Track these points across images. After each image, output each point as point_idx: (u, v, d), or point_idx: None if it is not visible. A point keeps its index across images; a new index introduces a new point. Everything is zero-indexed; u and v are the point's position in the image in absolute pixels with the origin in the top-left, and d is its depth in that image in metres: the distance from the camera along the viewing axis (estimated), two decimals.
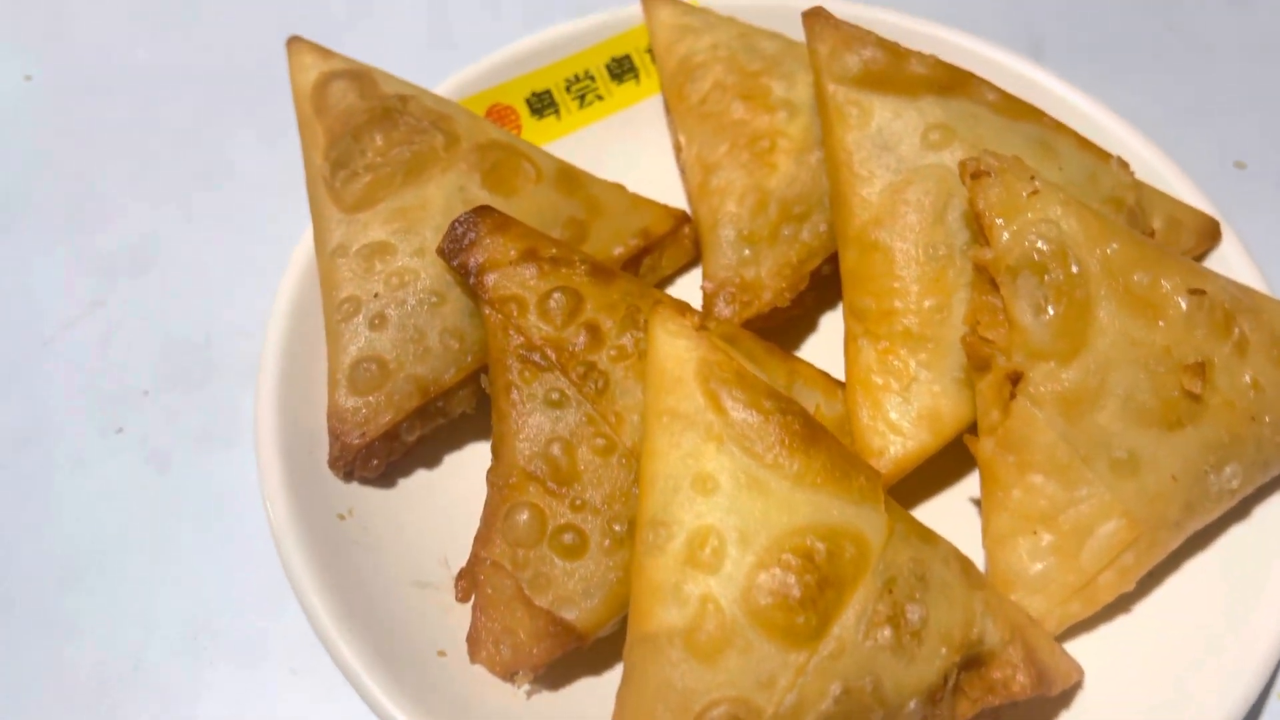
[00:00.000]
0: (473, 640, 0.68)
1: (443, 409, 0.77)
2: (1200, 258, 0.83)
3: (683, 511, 0.62)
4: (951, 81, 0.78)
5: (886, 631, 0.60)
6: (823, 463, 0.63)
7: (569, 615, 0.67)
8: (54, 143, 1.01)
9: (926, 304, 0.75)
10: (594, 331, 0.71)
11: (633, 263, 0.86)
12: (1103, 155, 0.80)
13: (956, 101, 0.78)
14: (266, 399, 0.74)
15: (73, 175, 0.99)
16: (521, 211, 0.79)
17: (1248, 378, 0.69)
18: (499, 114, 0.92)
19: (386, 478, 0.76)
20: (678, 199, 0.91)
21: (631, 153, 0.94)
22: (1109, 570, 0.68)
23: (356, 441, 0.73)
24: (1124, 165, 0.80)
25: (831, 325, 0.87)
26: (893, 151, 0.76)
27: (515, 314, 0.71)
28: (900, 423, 0.74)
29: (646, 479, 0.64)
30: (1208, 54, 1.10)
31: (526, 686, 0.68)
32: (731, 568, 0.60)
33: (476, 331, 0.76)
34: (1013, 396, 0.69)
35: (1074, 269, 0.68)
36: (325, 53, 0.84)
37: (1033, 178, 0.69)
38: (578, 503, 0.68)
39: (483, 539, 0.70)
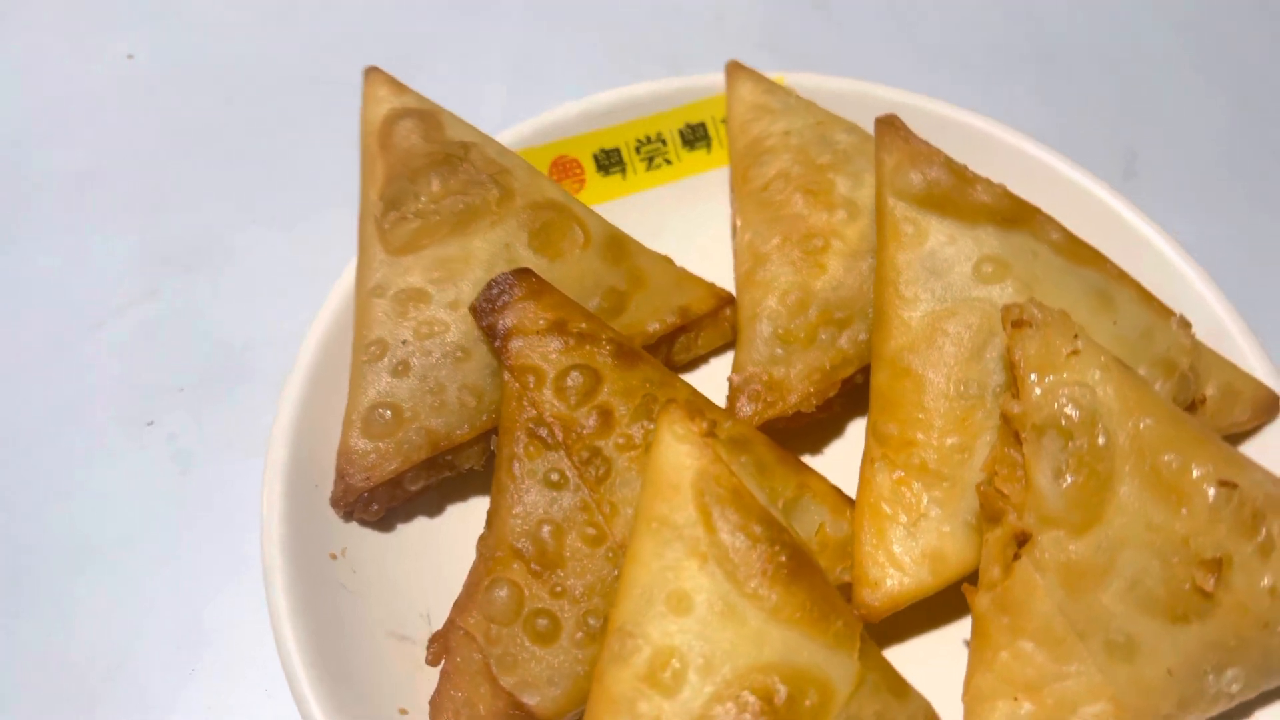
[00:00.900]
0: (435, 705, 0.69)
1: (450, 463, 0.78)
2: (1256, 431, 0.80)
3: (652, 626, 0.61)
4: (1015, 214, 0.76)
5: None
6: (802, 600, 0.62)
7: (530, 700, 0.67)
8: (141, 124, 1.05)
9: (949, 441, 0.73)
10: (606, 416, 0.71)
11: (669, 338, 0.85)
12: (1164, 312, 0.77)
13: (1018, 236, 0.75)
14: (282, 428, 0.75)
15: (151, 159, 1.02)
16: (563, 276, 0.79)
17: (1267, 581, 0.66)
18: (564, 166, 0.92)
19: (385, 522, 0.78)
20: (729, 275, 0.90)
21: (691, 222, 0.93)
22: None
23: (360, 484, 0.74)
24: (1185, 325, 0.77)
25: (857, 433, 0.85)
26: (941, 278, 0.75)
27: (532, 385, 0.71)
28: (902, 557, 0.72)
29: (625, 583, 0.64)
30: None
31: None
32: (689, 694, 0.59)
33: (495, 391, 0.76)
34: (1017, 557, 0.67)
35: (1100, 440, 0.65)
36: (400, 87, 0.85)
37: (1075, 335, 0.67)
38: (558, 589, 0.68)
39: (461, 606, 0.70)
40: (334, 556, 0.74)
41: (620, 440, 0.71)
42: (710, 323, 0.87)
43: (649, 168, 0.95)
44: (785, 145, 0.87)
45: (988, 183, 0.76)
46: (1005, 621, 0.68)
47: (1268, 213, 1.04)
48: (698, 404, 0.74)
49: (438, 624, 0.72)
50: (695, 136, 0.95)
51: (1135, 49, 1.16)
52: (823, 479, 0.77)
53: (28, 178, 1.00)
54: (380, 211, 0.80)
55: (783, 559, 0.63)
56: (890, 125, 0.78)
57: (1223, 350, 0.81)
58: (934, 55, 1.16)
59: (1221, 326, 0.82)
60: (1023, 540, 0.67)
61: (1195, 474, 0.66)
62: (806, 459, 0.83)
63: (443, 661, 0.70)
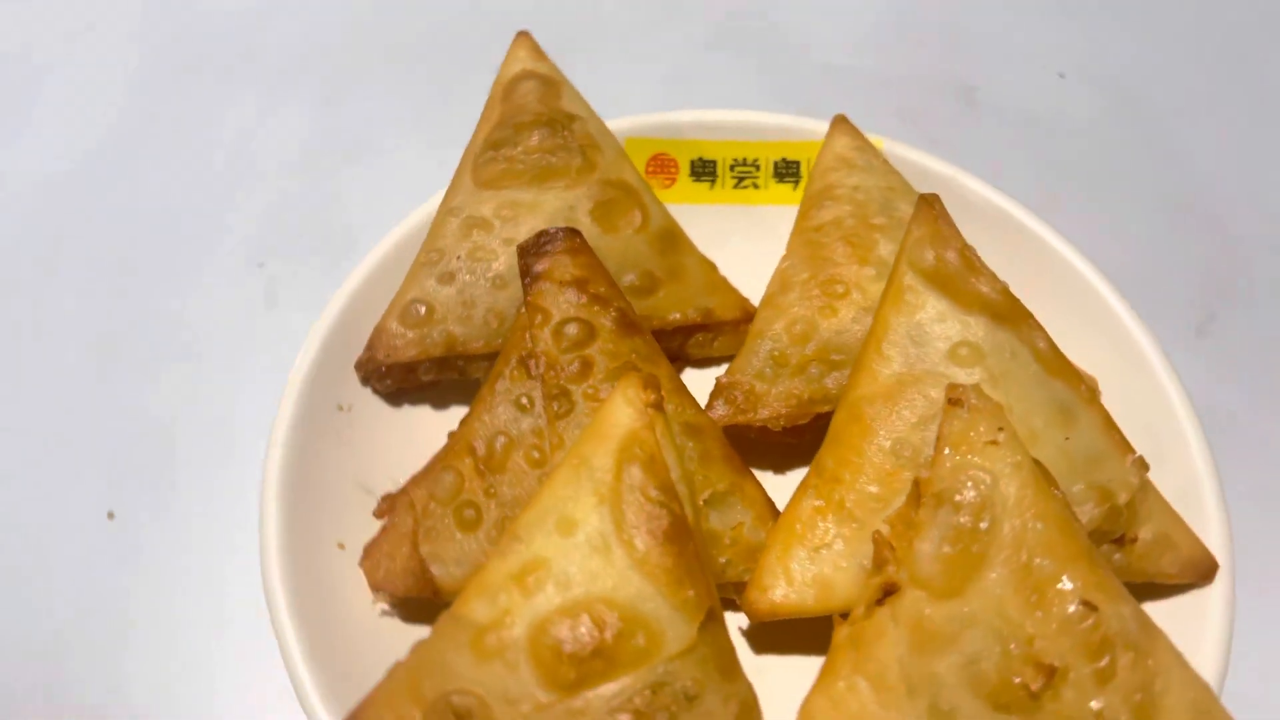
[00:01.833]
0: (367, 548, 0.81)
1: (461, 368, 0.90)
2: (1185, 589, 0.82)
3: (538, 538, 0.71)
4: (1008, 313, 0.80)
5: (626, 719, 0.67)
6: (667, 562, 0.70)
7: (436, 570, 0.78)
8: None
9: (871, 489, 0.79)
10: (586, 367, 0.81)
11: (686, 331, 0.94)
12: (1123, 447, 0.80)
13: (1003, 333, 0.80)
14: (341, 294, 0.90)
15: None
16: (609, 248, 0.90)
17: (1095, 705, 0.68)
18: (662, 163, 1.03)
19: (395, 397, 0.91)
20: None
21: (753, 243, 1.01)
22: None
23: (381, 359, 0.88)
24: (1140, 466, 0.79)
25: None
26: (919, 348, 0.81)
27: (538, 323, 0.83)
28: (796, 575, 0.79)
29: (534, 500, 0.74)
30: None
31: (382, 606, 0.80)
32: (541, 601, 0.69)
33: (515, 320, 0.88)
34: (880, 603, 0.73)
35: (984, 525, 0.70)
36: (539, 54, 0.98)
37: (1001, 429, 0.72)
38: (491, 491, 0.79)
39: (416, 479, 0.83)
40: (340, 408, 0.88)
41: (589, 390, 0.81)
42: (731, 330, 0.95)
43: (737, 185, 1.04)
44: (850, 198, 0.95)
45: (993, 278, 0.81)
46: (852, 656, 0.74)
47: None
48: (671, 385, 0.83)
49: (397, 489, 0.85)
50: (788, 171, 1.04)
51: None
52: (760, 489, 0.84)
53: None
54: (480, 149, 0.93)
55: (664, 523, 0.71)
56: (928, 203, 0.84)
57: (1187, 505, 0.83)
58: (1060, 173, 1.19)
59: (1196, 481, 0.84)
60: (891, 590, 0.72)
61: (1063, 585, 0.69)
62: (767, 474, 0.91)
63: (386, 519, 0.83)
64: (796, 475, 0.92)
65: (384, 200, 1.09)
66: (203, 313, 1.04)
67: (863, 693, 0.73)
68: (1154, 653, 0.71)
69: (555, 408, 0.80)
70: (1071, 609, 0.69)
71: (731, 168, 1.04)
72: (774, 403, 0.87)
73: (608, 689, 0.68)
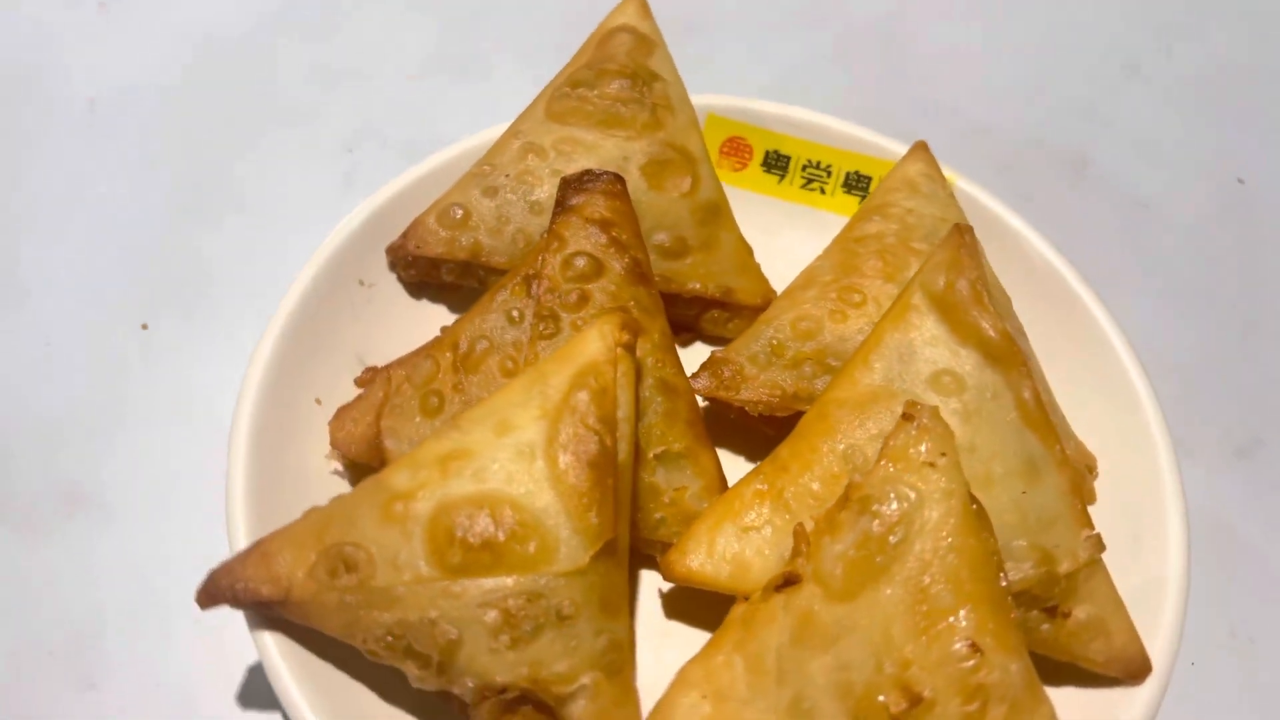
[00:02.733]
0: (340, 410, 0.86)
1: (481, 278, 0.94)
2: (1113, 684, 0.78)
3: (474, 431, 0.74)
4: (1002, 355, 0.78)
5: (494, 615, 0.69)
6: (582, 486, 0.72)
7: (389, 443, 0.82)
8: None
9: (813, 487, 0.79)
10: (583, 300, 0.84)
11: (704, 304, 0.96)
12: (1082, 520, 0.77)
13: (991, 373, 0.78)
14: (381, 194, 0.95)
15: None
16: (650, 204, 0.92)
17: None
18: (737, 146, 1.05)
19: (416, 288, 0.96)
20: None
21: (801, 245, 1.00)
22: None
23: (410, 249, 0.93)
24: (1095, 544, 0.76)
25: None
26: (904, 365, 0.80)
27: (552, 248, 0.86)
28: (718, 548, 0.80)
29: (485, 400, 0.77)
30: None
31: (335, 465, 0.85)
32: (454, 485, 0.72)
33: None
34: (779, 589, 0.72)
35: (893, 540, 0.69)
36: (646, 13, 1.01)
37: (943, 454, 0.71)
38: (459, 386, 0.83)
39: (401, 360, 0.87)
40: (362, 283, 0.93)
41: (578, 321, 0.83)
42: (749, 315, 0.96)
43: (804, 186, 1.05)
44: (901, 218, 0.94)
45: (998, 319, 0.79)
46: (739, 634, 0.74)
47: None
48: (661, 342, 0.84)
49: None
50: (857, 184, 1.04)
51: None
52: (716, 464, 0.85)
53: None
54: (560, 84, 0.97)
55: (592, 449, 0.73)
56: (960, 231, 0.83)
57: (1146, 604, 0.79)
58: (1142, 259, 1.14)
59: (1162, 583, 0.80)
60: (792, 581, 0.72)
61: (954, 620, 0.68)
62: (739, 460, 0.92)
63: (364, 389, 0.87)
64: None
65: (478, 122, 1.14)
66: (283, 182, 1.12)
67: (736, 670, 0.73)
68: (1033, 716, 0.68)
69: (541, 328, 0.83)
70: (957, 646, 0.67)
71: (803, 167, 1.04)
72: (758, 388, 0.88)
73: (486, 582, 0.70)
